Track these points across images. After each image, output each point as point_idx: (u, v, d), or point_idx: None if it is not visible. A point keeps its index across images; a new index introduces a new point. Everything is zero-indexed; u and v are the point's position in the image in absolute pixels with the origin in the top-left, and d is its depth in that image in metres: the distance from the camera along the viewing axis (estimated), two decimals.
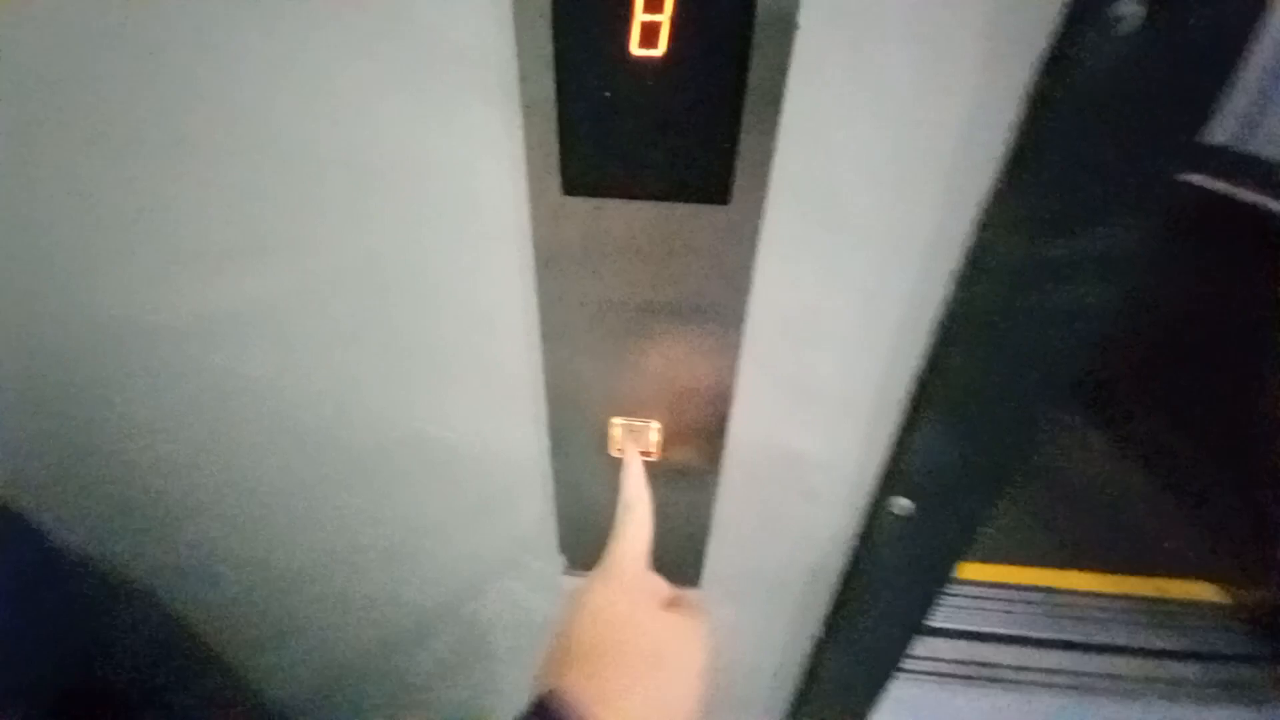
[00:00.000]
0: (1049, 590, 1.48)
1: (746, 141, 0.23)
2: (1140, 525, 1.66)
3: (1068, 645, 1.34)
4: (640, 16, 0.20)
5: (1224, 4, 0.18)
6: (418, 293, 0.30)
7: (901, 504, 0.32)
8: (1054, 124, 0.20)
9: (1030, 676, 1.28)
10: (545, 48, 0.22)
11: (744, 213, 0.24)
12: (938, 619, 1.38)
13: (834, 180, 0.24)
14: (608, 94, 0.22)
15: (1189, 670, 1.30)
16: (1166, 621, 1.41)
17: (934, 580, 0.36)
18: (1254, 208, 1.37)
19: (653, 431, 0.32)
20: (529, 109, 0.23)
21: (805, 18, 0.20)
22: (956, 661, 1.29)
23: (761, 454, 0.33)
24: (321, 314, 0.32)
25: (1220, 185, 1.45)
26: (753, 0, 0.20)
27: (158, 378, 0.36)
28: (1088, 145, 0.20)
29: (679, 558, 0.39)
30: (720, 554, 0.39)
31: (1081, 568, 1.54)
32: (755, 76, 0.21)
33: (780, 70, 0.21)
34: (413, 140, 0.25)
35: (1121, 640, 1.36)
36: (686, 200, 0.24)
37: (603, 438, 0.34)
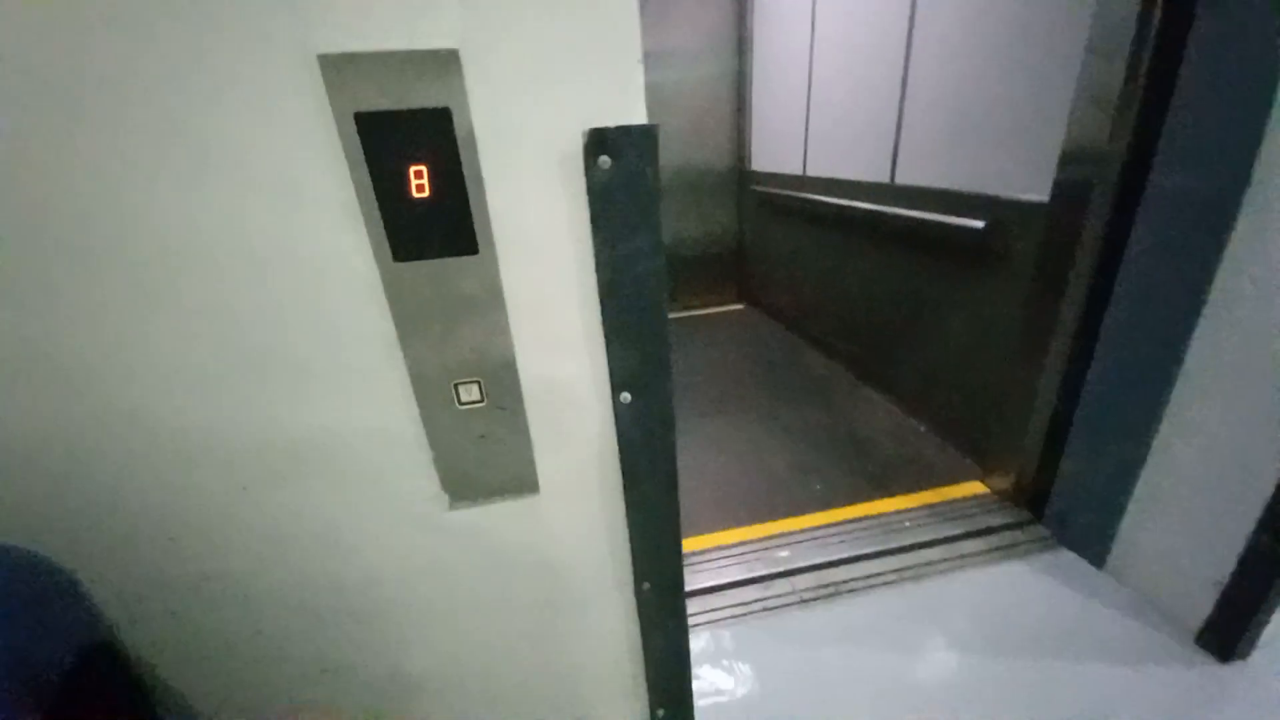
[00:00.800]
0: (870, 517, 1.87)
1: (477, 222, 0.49)
2: (921, 454, 2.17)
3: (894, 551, 1.72)
4: (414, 181, 0.46)
5: (637, 162, 0.48)
6: (312, 327, 0.51)
7: (625, 396, 0.59)
8: (601, 203, 0.49)
9: (871, 582, 1.62)
10: (370, 192, 0.46)
11: (488, 256, 0.50)
12: (795, 561, 1.69)
13: (528, 232, 0.51)
14: (407, 211, 0.47)
15: (975, 545, 1.72)
16: (953, 515, 1.85)
17: (665, 443, 0.62)
18: (940, 225, 1.97)
19: (478, 386, 0.56)
20: (368, 219, 0.47)
21: (490, 178, 0.48)
22: (816, 588, 1.60)
23: (542, 387, 0.58)
24: (235, 353, 0.51)
25: (914, 213, 2.09)
26: (460, 168, 0.47)
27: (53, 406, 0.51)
28: (617, 209, 0.49)
29: (519, 471, 0.61)
30: (545, 464, 0.62)
31: (889, 495, 1.98)
32: (473, 196, 0.48)
33: (483, 190, 0.48)
34: (307, 239, 0.48)
35: (927, 537, 1.76)
36: (457, 255, 0.50)
37: (452, 397, 0.56)
